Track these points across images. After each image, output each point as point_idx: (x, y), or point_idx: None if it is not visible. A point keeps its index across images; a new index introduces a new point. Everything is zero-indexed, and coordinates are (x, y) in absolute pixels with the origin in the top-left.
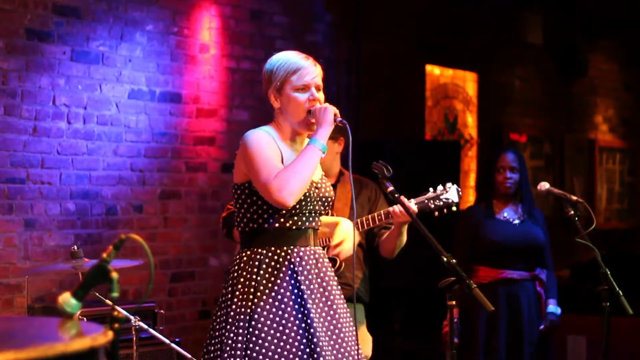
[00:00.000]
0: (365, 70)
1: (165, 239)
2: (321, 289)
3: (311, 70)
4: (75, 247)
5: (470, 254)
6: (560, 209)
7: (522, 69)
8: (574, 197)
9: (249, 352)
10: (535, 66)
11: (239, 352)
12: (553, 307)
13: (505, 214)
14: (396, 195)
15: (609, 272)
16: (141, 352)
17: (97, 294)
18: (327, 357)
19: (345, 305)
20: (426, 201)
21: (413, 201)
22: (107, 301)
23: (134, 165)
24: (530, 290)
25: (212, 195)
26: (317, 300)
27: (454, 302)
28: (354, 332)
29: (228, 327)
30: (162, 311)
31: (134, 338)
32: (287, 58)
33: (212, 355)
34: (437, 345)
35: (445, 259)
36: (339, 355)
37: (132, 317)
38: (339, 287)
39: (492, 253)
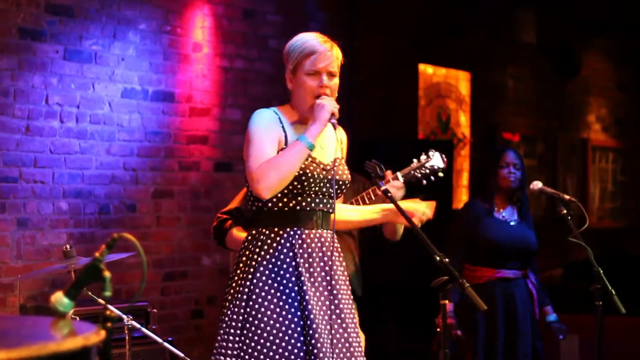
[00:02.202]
0: (359, 69)
1: (158, 238)
2: (323, 273)
3: (325, 56)
4: (68, 247)
5: (467, 252)
6: (552, 208)
7: (515, 68)
8: (567, 197)
9: (245, 330)
10: (529, 65)
11: (237, 331)
12: (553, 316)
13: (504, 214)
14: (389, 195)
15: (601, 272)
16: (134, 351)
17: (90, 293)
18: (323, 342)
19: (350, 292)
20: (412, 172)
21: (399, 174)
22: (100, 300)
23: (127, 164)
24: (524, 288)
25: (205, 194)
26: (316, 284)
27: (446, 302)
28: (355, 320)
29: (227, 304)
30: (154, 310)
31: (127, 337)
32: (304, 40)
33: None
34: (430, 344)
35: (438, 259)
36: (336, 342)
37: (124, 316)
38: (345, 273)
39: (489, 252)
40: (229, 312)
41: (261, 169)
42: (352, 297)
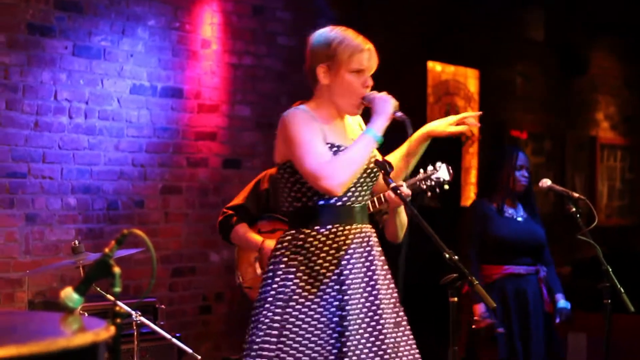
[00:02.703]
0: None
1: (166, 234)
2: (364, 269)
3: (370, 55)
4: (77, 242)
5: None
6: (561, 206)
7: (523, 66)
8: (576, 194)
9: (285, 331)
10: (537, 63)
11: (275, 332)
12: (564, 302)
13: (511, 211)
14: (398, 192)
15: (610, 269)
16: (142, 347)
17: (99, 289)
18: (357, 343)
19: (393, 286)
20: (418, 183)
21: (404, 184)
22: (109, 296)
23: (135, 160)
24: (535, 285)
25: (213, 191)
26: (358, 281)
27: (455, 299)
28: (395, 316)
29: (267, 305)
30: (163, 306)
31: (135, 333)
32: (345, 36)
33: (251, 332)
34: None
35: (447, 256)
36: (377, 342)
37: (133, 312)
38: (386, 267)
39: (498, 249)
40: (268, 313)
41: (331, 165)
42: (396, 291)
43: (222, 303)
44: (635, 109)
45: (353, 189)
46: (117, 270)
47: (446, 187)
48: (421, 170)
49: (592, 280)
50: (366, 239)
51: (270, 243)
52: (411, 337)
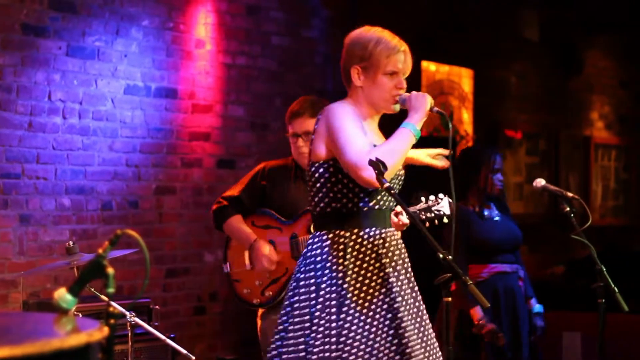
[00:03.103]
0: None
1: (160, 234)
2: (403, 270)
3: (406, 56)
4: (71, 243)
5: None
6: (555, 206)
7: (518, 65)
8: (570, 194)
9: (342, 339)
10: (532, 62)
11: (333, 340)
12: (539, 307)
13: (487, 212)
14: (393, 192)
15: (604, 269)
16: (136, 347)
17: (93, 289)
18: (413, 344)
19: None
20: (417, 212)
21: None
22: (103, 297)
23: (130, 161)
24: (518, 282)
25: (208, 191)
26: (401, 283)
27: (449, 299)
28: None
29: (317, 314)
30: (157, 307)
31: (129, 334)
32: (381, 38)
33: (293, 345)
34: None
35: (441, 256)
36: (424, 338)
37: (127, 313)
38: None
39: (483, 250)
40: (322, 322)
41: (369, 157)
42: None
43: (217, 303)
44: (630, 109)
45: (384, 193)
46: (111, 270)
47: (445, 220)
48: (422, 199)
49: (586, 280)
50: (400, 243)
51: (263, 244)
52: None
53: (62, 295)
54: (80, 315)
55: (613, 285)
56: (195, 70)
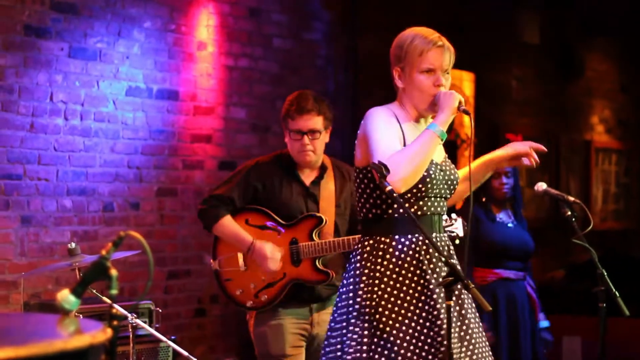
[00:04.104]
0: (363, 68)
1: (161, 236)
2: None
3: (439, 53)
4: (72, 244)
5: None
6: (555, 210)
7: (518, 69)
8: (571, 198)
9: (373, 347)
10: (532, 66)
11: (365, 347)
12: (545, 322)
13: (501, 217)
14: (394, 195)
15: (605, 273)
16: (137, 349)
17: (94, 291)
18: (455, 350)
19: (470, 296)
20: None
21: None
22: (104, 298)
23: (131, 163)
24: (524, 291)
25: (209, 193)
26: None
27: (451, 303)
28: (479, 325)
29: (353, 320)
30: (158, 309)
31: (131, 336)
32: (414, 36)
33: (336, 352)
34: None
35: (444, 259)
36: (470, 346)
37: (129, 315)
38: None
39: (491, 254)
40: (356, 329)
41: (391, 161)
42: (473, 303)
43: (217, 306)
44: (630, 113)
45: (433, 198)
46: (114, 272)
47: (457, 242)
48: None
49: (587, 284)
50: (446, 247)
51: (263, 245)
52: (488, 347)
53: (65, 296)
54: (81, 316)
55: (614, 290)
56: (197, 72)
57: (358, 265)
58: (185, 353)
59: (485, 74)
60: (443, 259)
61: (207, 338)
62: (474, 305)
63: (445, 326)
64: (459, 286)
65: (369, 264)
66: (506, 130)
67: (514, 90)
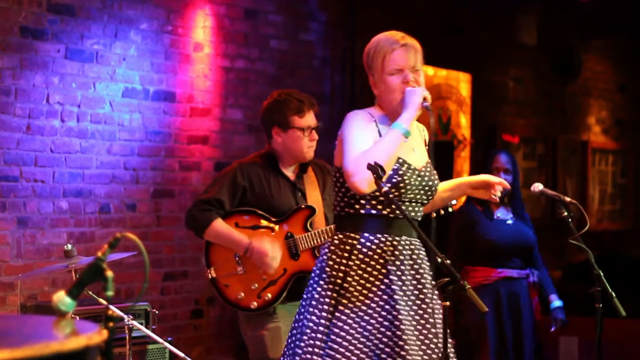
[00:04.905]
0: (360, 69)
1: (158, 237)
2: (414, 281)
3: (403, 52)
4: (69, 246)
5: (465, 253)
6: (552, 210)
7: (515, 70)
8: (568, 199)
9: (331, 336)
10: (529, 67)
11: (319, 336)
12: (558, 302)
13: (499, 214)
14: (391, 196)
15: (601, 274)
16: (134, 350)
17: (90, 292)
18: (412, 352)
19: (440, 302)
20: None
21: None
22: (101, 300)
23: (128, 164)
24: (526, 289)
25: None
26: (408, 293)
27: (448, 303)
28: (444, 329)
29: (311, 309)
30: (155, 310)
31: (127, 337)
32: (378, 41)
33: (294, 337)
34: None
35: (439, 260)
36: (428, 351)
37: (125, 316)
38: (433, 282)
39: (489, 253)
40: (313, 317)
41: (355, 161)
42: (441, 305)
43: (214, 307)
44: (627, 113)
45: (408, 203)
46: (110, 274)
47: (450, 210)
48: None
49: (583, 285)
50: (416, 252)
51: (261, 243)
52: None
53: (62, 298)
54: (77, 318)
55: (610, 290)
56: (193, 73)
57: (326, 257)
58: (182, 354)
59: (482, 74)
60: (439, 259)
61: (203, 339)
62: (442, 313)
63: (403, 327)
64: (425, 292)
65: (335, 257)
66: (503, 131)
67: (511, 91)
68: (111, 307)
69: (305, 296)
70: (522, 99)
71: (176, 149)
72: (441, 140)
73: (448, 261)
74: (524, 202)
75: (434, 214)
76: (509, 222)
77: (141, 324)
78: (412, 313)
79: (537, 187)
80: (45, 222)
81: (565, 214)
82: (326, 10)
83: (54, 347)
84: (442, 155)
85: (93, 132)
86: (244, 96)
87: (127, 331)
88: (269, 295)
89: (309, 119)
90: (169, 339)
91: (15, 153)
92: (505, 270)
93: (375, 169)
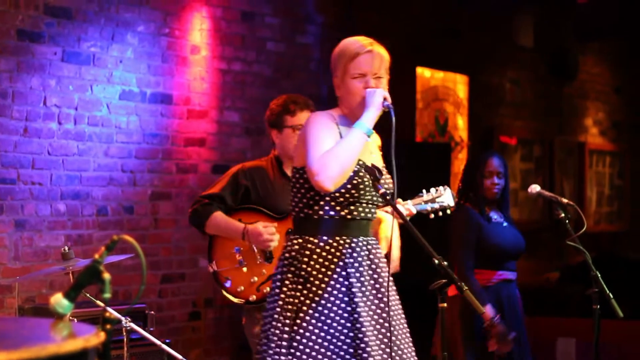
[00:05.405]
0: None
1: (155, 240)
2: (372, 281)
3: (368, 58)
4: (67, 248)
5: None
6: (549, 212)
7: (513, 72)
8: (565, 200)
9: (294, 344)
10: (527, 69)
11: (284, 344)
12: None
13: (495, 217)
14: (388, 198)
15: (599, 275)
16: (131, 353)
17: (88, 294)
18: (374, 353)
19: (397, 298)
20: (422, 203)
21: (410, 202)
22: (98, 302)
23: (125, 166)
24: (517, 289)
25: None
26: (367, 293)
27: (444, 305)
28: (405, 326)
29: (275, 316)
30: (152, 312)
31: (125, 339)
32: (346, 45)
33: (260, 346)
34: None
35: (436, 261)
36: (387, 350)
37: (123, 319)
38: (391, 278)
39: (492, 255)
40: (278, 324)
41: (320, 161)
42: (400, 303)
43: (212, 309)
44: (624, 115)
45: (365, 204)
46: (107, 276)
47: (448, 211)
48: (424, 191)
49: (581, 286)
50: (373, 251)
51: (254, 225)
52: (412, 347)
53: (59, 300)
54: (75, 320)
55: (608, 292)
56: (190, 76)
57: (286, 262)
58: (180, 356)
59: (480, 76)
60: (436, 261)
61: (201, 341)
62: (401, 311)
63: (364, 329)
64: (383, 291)
65: (295, 262)
66: (501, 133)
67: (508, 93)
68: (109, 309)
69: (269, 304)
70: (519, 100)
71: (173, 152)
72: (438, 142)
73: (445, 262)
74: (509, 204)
75: (432, 215)
76: (505, 224)
77: (139, 326)
78: (370, 313)
79: (535, 188)
80: (43, 225)
81: (563, 215)
82: (323, 13)
83: (52, 350)
84: (439, 157)
85: (90, 134)
86: (241, 99)
87: (124, 333)
88: (268, 288)
89: (302, 117)
90: (167, 341)
91: (13, 156)
92: (505, 273)
93: (373, 172)
